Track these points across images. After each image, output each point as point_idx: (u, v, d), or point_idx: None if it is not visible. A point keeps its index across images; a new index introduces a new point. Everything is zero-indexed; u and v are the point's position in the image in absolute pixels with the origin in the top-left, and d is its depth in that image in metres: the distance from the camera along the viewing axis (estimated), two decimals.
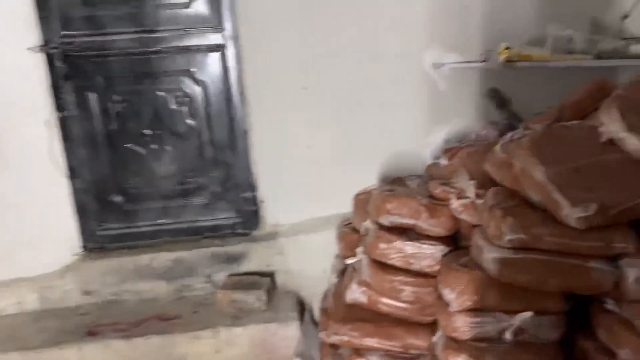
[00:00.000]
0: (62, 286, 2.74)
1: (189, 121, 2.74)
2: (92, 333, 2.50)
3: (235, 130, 2.76)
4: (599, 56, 2.43)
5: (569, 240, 1.69)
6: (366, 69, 2.67)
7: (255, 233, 2.86)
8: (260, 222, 2.87)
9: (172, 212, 2.84)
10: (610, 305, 1.72)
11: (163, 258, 2.76)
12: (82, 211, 2.79)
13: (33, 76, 2.60)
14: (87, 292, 2.75)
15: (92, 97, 2.68)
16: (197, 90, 2.72)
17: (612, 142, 1.84)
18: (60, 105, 2.66)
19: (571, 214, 1.66)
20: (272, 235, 2.81)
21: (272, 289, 2.69)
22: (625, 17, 2.52)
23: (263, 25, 2.61)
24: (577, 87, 2.24)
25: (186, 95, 2.71)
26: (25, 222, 2.73)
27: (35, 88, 2.61)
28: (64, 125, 2.69)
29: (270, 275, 2.75)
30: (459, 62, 2.64)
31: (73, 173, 2.74)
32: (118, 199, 2.81)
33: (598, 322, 1.75)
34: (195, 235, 2.86)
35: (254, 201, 2.85)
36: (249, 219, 2.86)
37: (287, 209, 2.83)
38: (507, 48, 2.42)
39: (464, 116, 2.70)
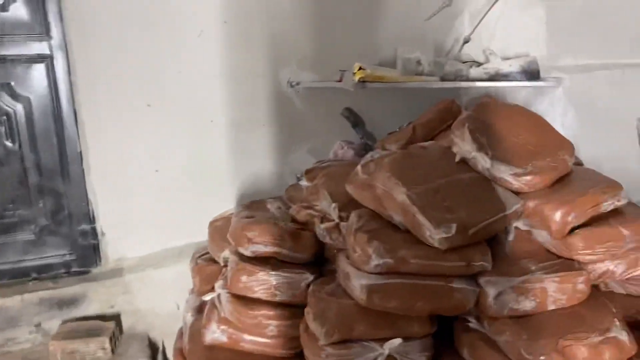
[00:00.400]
0: None
1: (8, 143, 2.39)
2: None
3: (66, 153, 2.46)
4: (444, 78, 2.55)
5: (433, 262, 1.70)
6: (218, 86, 2.55)
7: (95, 271, 2.56)
8: (100, 257, 2.58)
9: None
10: (472, 323, 1.75)
11: None
12: None
13: None
14: None
15: None
16: (17, 107, 2.38)
17: (464, 162, 1.91)
18: None
19: (434, 234, 1.68)
20: (116, 272, 2.54)
21: (117, 334, 2.43)
22: (466, 41, 2.69)
23: (97, 34, 2.37)
24: (426, 107, 2.33)
25: (3, 113, 2.37)
26: None
27: None
28: None
29: (115, 317, 2.47)
30: (315, 81, 2.64)
31: None
32: None
33: (461, 341, 1.78)
34: (20, 277, 2.48)
35: (92, 234, 2.56)
36: (86, 254, 2.56)
37: (133, 241, 2.58)
38: (360, 68, 2.42)
39: (323, 135, 2.70)
